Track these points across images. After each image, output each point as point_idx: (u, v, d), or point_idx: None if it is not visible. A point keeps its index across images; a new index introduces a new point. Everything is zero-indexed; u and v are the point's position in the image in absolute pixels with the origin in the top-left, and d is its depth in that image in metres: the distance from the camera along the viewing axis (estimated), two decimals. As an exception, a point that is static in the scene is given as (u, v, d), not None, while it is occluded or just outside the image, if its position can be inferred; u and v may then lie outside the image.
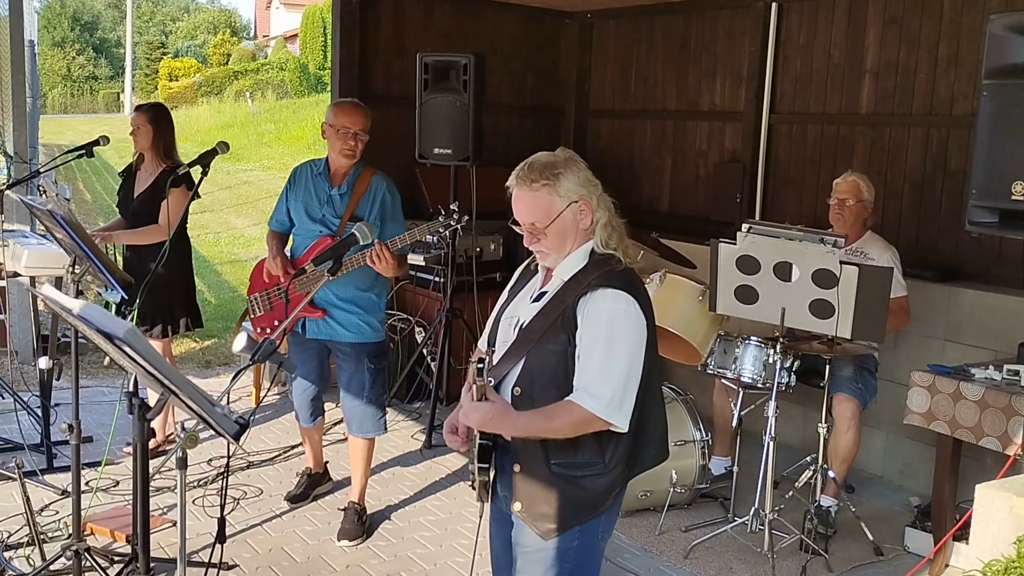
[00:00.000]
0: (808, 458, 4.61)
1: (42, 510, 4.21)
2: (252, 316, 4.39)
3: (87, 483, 4.08)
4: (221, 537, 3.20)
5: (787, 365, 4.25)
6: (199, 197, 4.56)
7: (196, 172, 4.27)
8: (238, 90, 32.76)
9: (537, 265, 2.60)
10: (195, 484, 4.64)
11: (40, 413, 4.87)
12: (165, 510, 4.38)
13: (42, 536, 3.82)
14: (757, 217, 6.01)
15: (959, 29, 5.22)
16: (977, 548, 3.59)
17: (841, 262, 3.88)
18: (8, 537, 3.93)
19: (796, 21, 6.03)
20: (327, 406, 4.74)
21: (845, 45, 5.77)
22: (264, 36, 48.63)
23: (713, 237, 4.25)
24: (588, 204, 2.45)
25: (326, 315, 4.18)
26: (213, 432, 2.42)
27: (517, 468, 2.49)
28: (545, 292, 2.52)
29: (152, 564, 2.65)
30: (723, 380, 4.71)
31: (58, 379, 4.94)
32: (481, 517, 2.63)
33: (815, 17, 5.93)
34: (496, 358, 2.49)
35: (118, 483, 4.62)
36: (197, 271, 5.39)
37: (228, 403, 5.17)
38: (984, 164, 3.19)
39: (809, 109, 6.00)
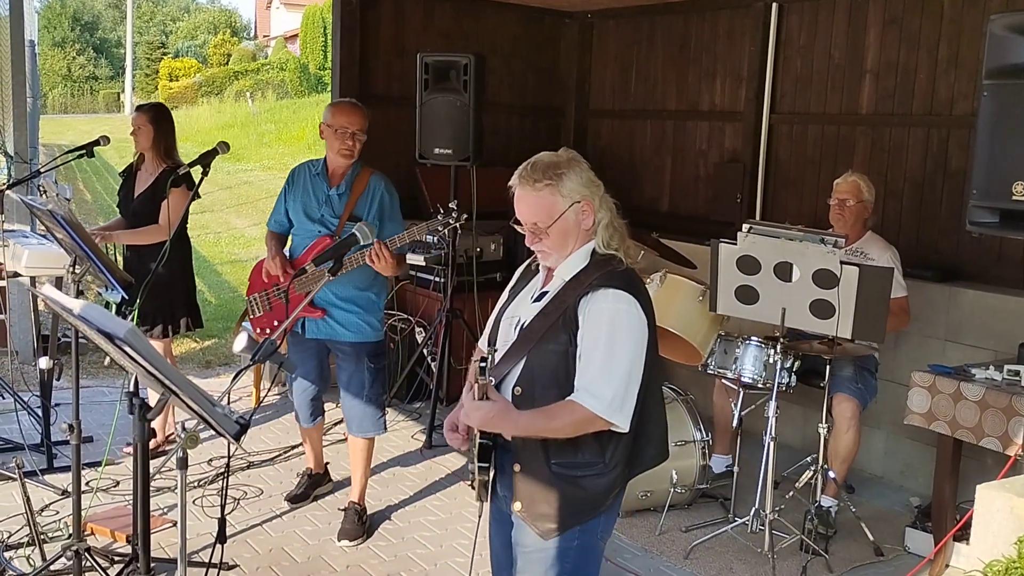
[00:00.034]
0: (808, 458, 4.62)
1: (42, 510, 4.21)
2: (251, 316, 4.39)
3: (87, 483, 4.08)
4: (221, 537, 3.20)
5: (787, 365, 4.25)
6: (199, 197, 4.57)
7: (196, 172, 4.28)
8: (238, 90, 32.77)
9: (538, 265, 2.60)
10: (195, 484, 4.64)
11: (40, 413, 4.87)
12: (165, 510, 4.38)
13: (42, 536, 3.82)
14: (757, 217, 6.00)
15: (959, 29, 5.22)
16: (978, 548, 3.59)
17: (841, 262, 3.88)
18: (8, 537, 3.93)
19: (796, 21, 6.03)
20: (327, 406, 4.74)
21: (845, 45, 5.77)
22: (264, 36, 48.64)
23: (713, 237, 4.25)
24: (590, 204, 2.45)
25: (325, 315, 4.18)
26: (213, 432, 2.42)
27: (517, 468, 2.49)
28: (546, 292, 2.52)
29: (152, 564, 2.65)
30: (723, 380, 4.71)
31: (58, 379, 4.93)
32: (481, 517, 2.63)
33: (815, 17, 5.93)
34: (497, 358, 2.49)
35: (118, 483, 4.62)
36: (197, 271, 5.39)
37: (228, 403, 5.17)
38: (984, 164, 3.19)
39: (809, 109, 6.00)
